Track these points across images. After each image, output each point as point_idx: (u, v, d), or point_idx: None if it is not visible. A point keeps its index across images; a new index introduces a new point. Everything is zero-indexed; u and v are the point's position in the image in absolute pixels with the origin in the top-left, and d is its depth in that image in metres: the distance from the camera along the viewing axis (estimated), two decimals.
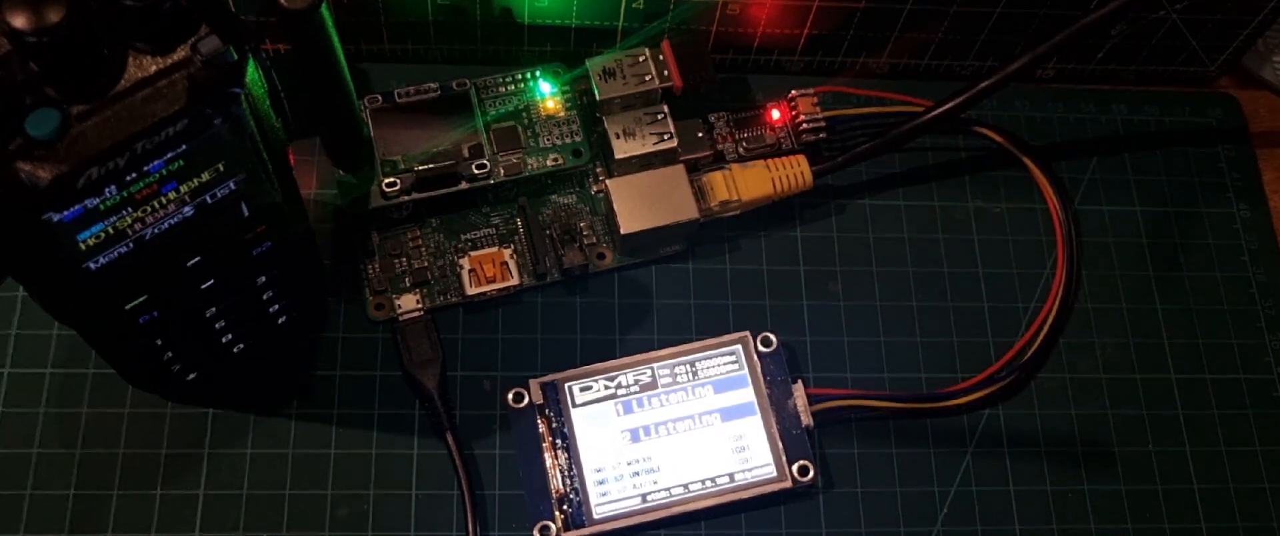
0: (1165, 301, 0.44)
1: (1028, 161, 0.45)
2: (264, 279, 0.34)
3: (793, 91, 0.44)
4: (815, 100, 0.43)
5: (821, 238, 0.44)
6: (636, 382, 0.40)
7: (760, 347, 0.40)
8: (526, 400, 0.39)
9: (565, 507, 0.38)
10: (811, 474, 0.39)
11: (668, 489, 0.38)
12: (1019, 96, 0.47)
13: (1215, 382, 0.43)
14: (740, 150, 0.43)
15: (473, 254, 0.41)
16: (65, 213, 0.26)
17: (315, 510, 0.38)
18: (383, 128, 0.40)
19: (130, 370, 0.36)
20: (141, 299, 0.31)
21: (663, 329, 0.41)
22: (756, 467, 0.39)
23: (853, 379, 0.41)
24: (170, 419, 0.38)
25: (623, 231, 0.40)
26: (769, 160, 0.42)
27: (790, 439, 0.39)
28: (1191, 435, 0.42)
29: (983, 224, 0.45)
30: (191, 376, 0.37)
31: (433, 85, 0.41)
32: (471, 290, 0.40)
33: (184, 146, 0.26)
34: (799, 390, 0.40)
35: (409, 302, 0.40)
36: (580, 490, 0.38)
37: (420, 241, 0.41)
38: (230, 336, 0.36)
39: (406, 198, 0.39)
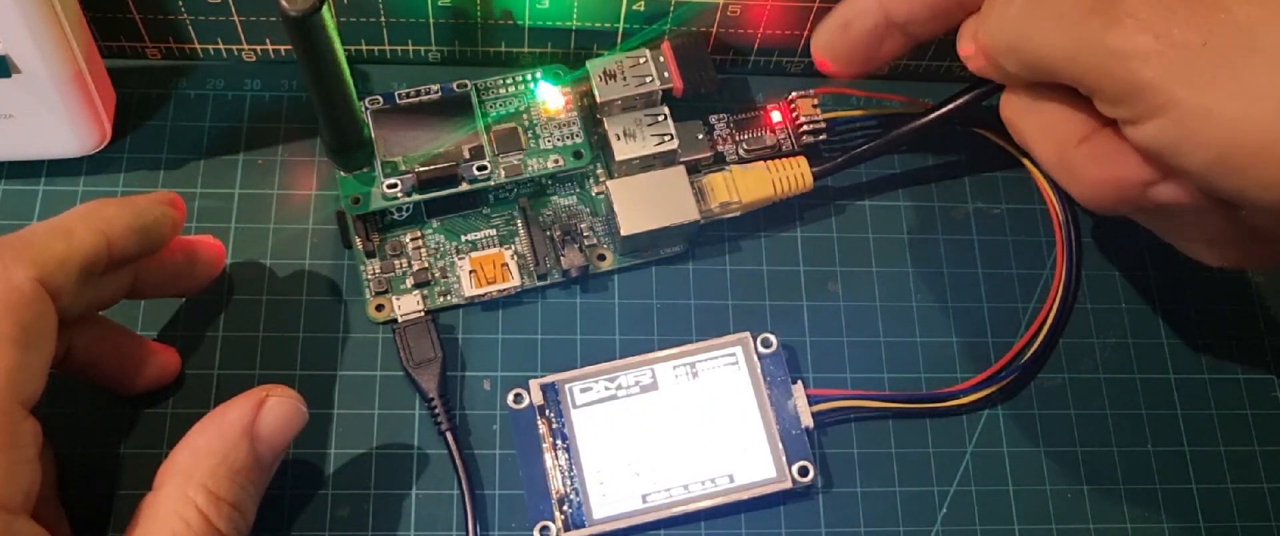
0: (1165, 301, 0.44)
1: (1028, 162, 0.45)
2: None
3: (793, 93, 0.44)
4: (815, 102, 0.43)
5: (821, 238, 0.44)
6: (637, 383, 0.40)
7: (760, 348, 0.40)
8: (526, 400, 0.39)
9: (565, 508, 0.38)
10: (811, 474, 0.39)
11: (668, 489, 0.38)
12: None
13: (1214, 383, 0.43)
14: (741, 151, 0.43)
15: (473, 255, 0.41)
16: None
17: (315, 510, 0.38)
18: (383, 129, 0.40)
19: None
20: None
21: (663, 329, 0.41)
22: (756, 468, 0.39)
23: (853, 379, 0.41)
24: (170, 419, 0.38)
25: (623, 233, 0.40)
26: (769, 161, 0.42)
27: (790, 439, 0.39)
28: (1191, 435, 0.42)
29: (983, 224, 0.45)
30: None
31: (433, 86, 0.41)
32: (472, 291, 0.40)
33: None
34: (799, 390, 0.40)
35: (409, 304, 0.40)
36: (580, 490, 0.38)
37: (421, 242, 0.41)
38: None
39: (407, 199, 0.39)
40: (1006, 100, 0.34)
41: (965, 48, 0.34)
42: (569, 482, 0.38)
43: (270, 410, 0.33)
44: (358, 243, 0.41)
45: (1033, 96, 0.33)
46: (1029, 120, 0.33)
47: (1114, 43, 0.28)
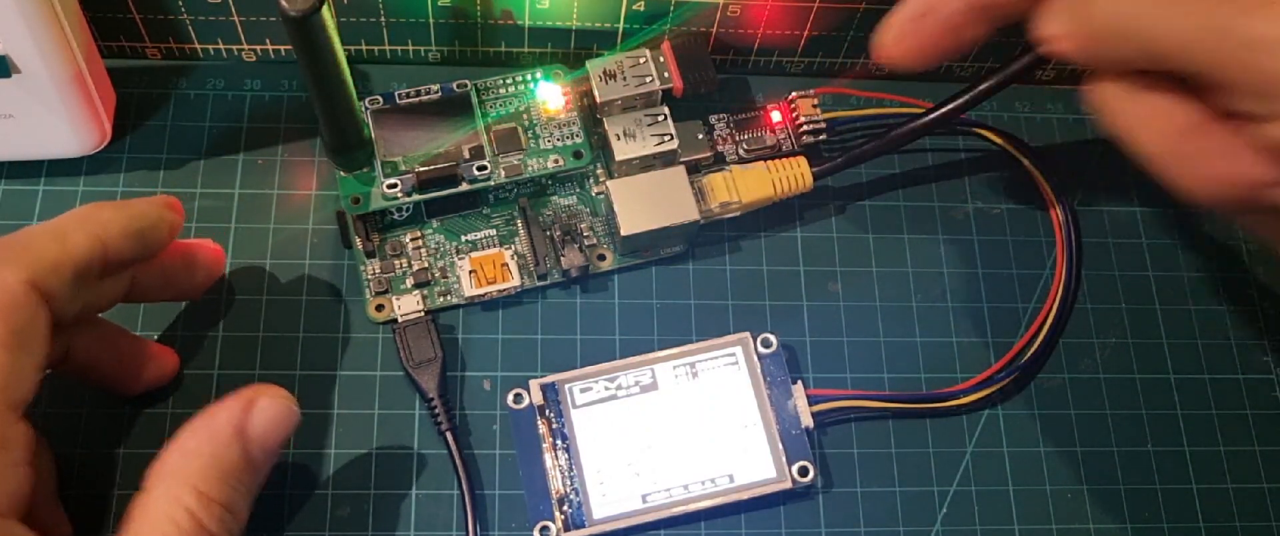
0: (1165, 301, 0.44)
1: (1027, 162, 0.45)
2: None
3: (793, 93, 0.44)
4: (815, 102, 0.43)
5: (821, 238, 0.44)
6: (637, 383, 0.40)
7: (760, 348, 0.40)
8: (526, 400, 0.39)
9: (565, 508, 0.38)
10: (811, 474, 0.39)
11: (668, 489, 0.38)
12: (1019, 97, 0.47)
13: (1214, 382, 0.43)
14: (740, 151, 0.43)
15: (473, 255, 0.41)
16: None
17: (315, 510, 0.38)
18: (384, 129, 0.40)
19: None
20: None
21: (663, 329, 0.41)
22: (756, 468, 0.39)
23: (853, 379, 0.41)
24: (170, 418, 0.38)
25: (623, 233, 0.40)
26: (769, 161, 0.42)
27: (790, 439, 0.39)
28: (1191, 435, 0.42)
29: (983, 224, 0.45)
30: None
31: (433, 86, 0.41)
32: (472, 291, 0.40)
33: None
34: (799, 390, 0.40)
35: (409, 304, 0.40)
36: (580, 490, 0.38)
37: (421, 242, 0.41)
38: None
39: (407, 199, 0.39)
40: (1101, 88, 0.31)
41: (1052, 29, 0.30)
42: (569, 482, 0.38)
43: (261, 410, 0.33)
44: (358, 242, 0.41)
45: (1136, 84, 0.30)
46: (1131, 108, 0.30)
47: (1258, 30, 0.25)
